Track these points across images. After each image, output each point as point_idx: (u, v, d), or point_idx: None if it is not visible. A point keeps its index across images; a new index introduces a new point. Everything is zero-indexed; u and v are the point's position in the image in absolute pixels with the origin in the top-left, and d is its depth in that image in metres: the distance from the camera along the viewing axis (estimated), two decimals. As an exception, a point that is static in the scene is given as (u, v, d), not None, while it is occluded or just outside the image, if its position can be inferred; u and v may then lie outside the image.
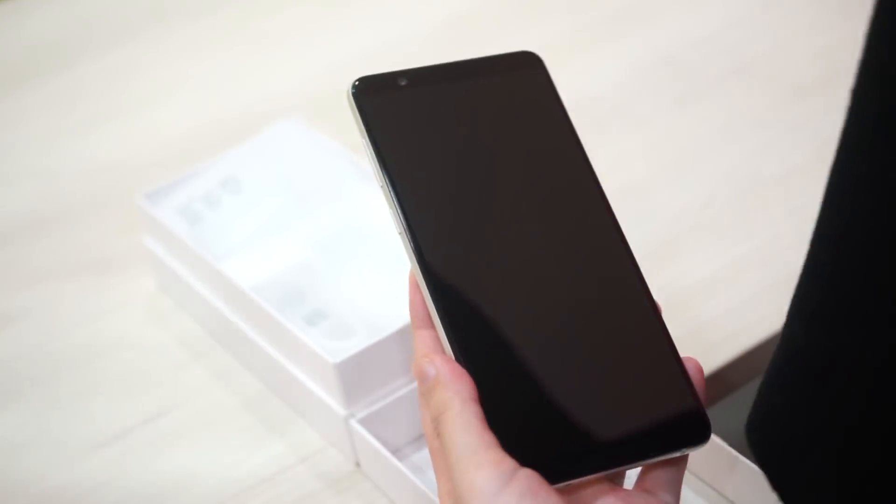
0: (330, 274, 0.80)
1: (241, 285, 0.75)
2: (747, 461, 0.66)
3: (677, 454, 0.52)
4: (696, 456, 0.69)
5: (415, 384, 0.71)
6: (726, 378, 0.77)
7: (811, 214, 0.86)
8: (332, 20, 1.12)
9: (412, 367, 0.54)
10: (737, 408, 1.01)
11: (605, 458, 0.51)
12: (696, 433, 0.52)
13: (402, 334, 0.70)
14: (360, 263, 0.80)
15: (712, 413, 0.77)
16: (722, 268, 0.83)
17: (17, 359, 0.83)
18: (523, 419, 0.51)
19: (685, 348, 0.78)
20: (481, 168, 0.56)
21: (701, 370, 0.55)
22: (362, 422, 0.70)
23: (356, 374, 0.70)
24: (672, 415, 0.52)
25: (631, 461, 0.51)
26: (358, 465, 0.72)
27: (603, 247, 0.56)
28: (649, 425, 0.52)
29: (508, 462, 0.48)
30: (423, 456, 0.71)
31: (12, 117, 1.05)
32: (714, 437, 0.67)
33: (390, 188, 0.55)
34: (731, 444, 0.67)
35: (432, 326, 0.54)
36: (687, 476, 0.69)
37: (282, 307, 0.76)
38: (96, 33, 1.13)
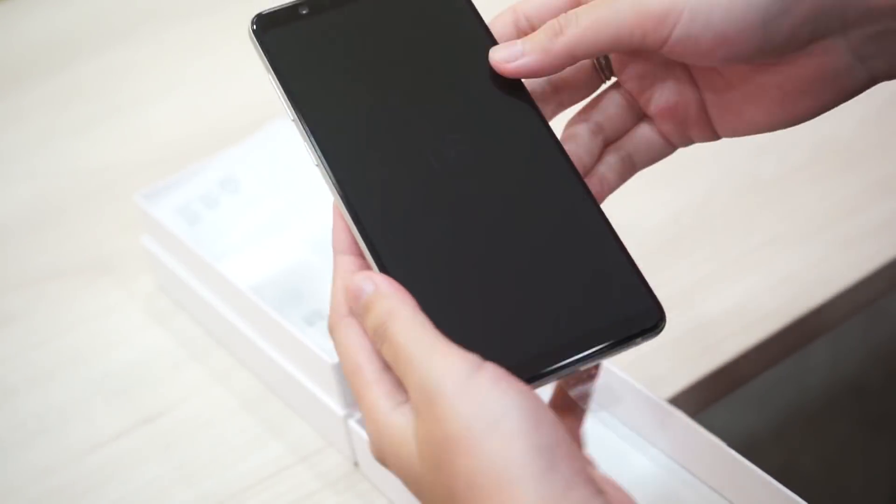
0: (328, 274, 0.80)
1: (240, 285, 0.75)
2: (746, 462, 0.66)
3: (636, 342, 0.50)
4: (695, 456, 0.69)
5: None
6: (725, 378, 0.77)
7: (810, 214, 0.87)
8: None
9: (334, 290, 0.51)
10: (736, 407, 1.01)
11: (560, 354, 0.49)
12: (650, 319, 0.51)
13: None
14: (358, 263, 0.80)
15: (712, 413, 0.77)
16: (721, 268, 0.83)
17: (15, 358, 0.83)
18: (470, 330, 0.48)
19: (684, 347, 0.78)
20: (396, 88, 0.54)
21: None
22: (361, 422, 0.70)
23: (355, 374, 0.70)
24: (622, 302, 0.50)
25: (586, 356, 0.49)
26: (356, 464, 0.72)
27: (530, 146, 0.53)
28: (600, 316, 0.50)
29: (473, 355, 0.46)
30: (422, 456, 0.71)
31: (10, 117, 1.05)
32: (715, 439, 0.67)
33: (301, 120, 0.54)
34: (731, 443, 0.67)
35: (357, 252, 0.52)
36: (686, 476, 0.69)
37: (280, 307, 0.76)
38: (94, 33, 1.13)
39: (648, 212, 0.88)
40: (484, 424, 0.44)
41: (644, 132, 0.58)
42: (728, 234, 0.86)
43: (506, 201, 0.51)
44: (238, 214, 0.83)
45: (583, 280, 0.50)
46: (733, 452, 0.66)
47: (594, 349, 0.49)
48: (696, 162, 0.92)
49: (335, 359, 0.69)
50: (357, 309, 0.49)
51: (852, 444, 1.20)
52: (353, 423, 0.70)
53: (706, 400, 0.77)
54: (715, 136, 0.59)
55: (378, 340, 0.48)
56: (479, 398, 0.45)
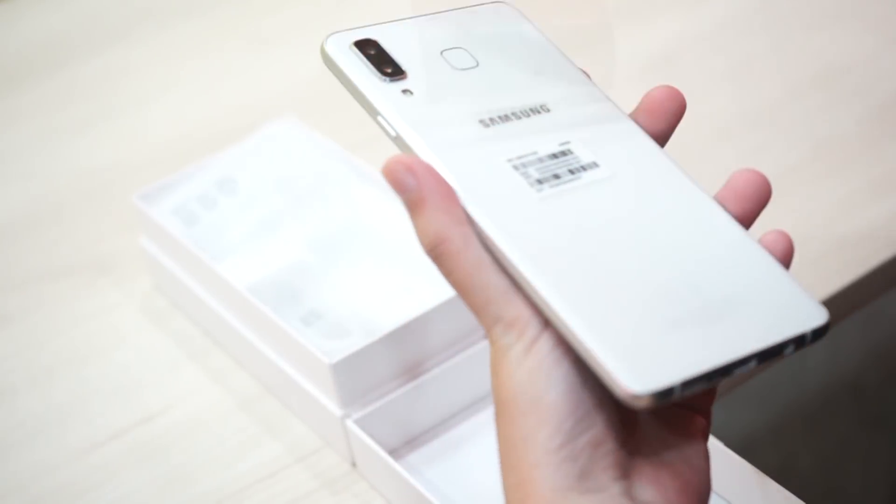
0: (326, 274, 0.80)
1: (237, 285, 0.75)
2: (744, 461, 0.66)
3: (806, 342, 0.49)
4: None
5: (411, 384, 0.71)
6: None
7: (807, 214, 0.87)
8: (327, 20, 1.12)
9: (383, 168, 0.50)
10: (734, 407, 1.01)
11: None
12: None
13: (398, 334, 0.70)
14: (355, 263, 0.80)
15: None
16: (718, 267, 0.83)
17: (13, 358, 0.82)
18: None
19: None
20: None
21: (789, 248, 0.52)
22: (358, 422, 0.70)
23: (352, 375, 0.70)
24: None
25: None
26: (354, 465, 0.72)
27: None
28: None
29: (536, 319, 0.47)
30: (419, 456, 0.71)
31: (7, 118, 1.05)
32: (712, 439, 0.67)
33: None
34: (729, 443, 0.67)
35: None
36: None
37: (277, 307, 0.76)
38: (91, 34, 1.13)
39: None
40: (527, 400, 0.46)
41: None
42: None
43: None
44: (235, 215, 0.83)
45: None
46: (731, 452, 0.66)
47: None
48: (693, 162, 0.92)
49: (333, 359, 0.69)
50: (405, 200, 0.49)
51: (850, 444, 1.20)
52: (350, 424, 0.70)
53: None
54: None
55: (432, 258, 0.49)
56: (531, 370, 0.46)
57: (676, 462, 0.49)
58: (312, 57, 1.08)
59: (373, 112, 0.52)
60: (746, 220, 0.52)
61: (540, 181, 0.50)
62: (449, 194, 0.49)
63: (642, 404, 0.44)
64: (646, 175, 0.52)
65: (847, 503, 1.19)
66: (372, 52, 0.53)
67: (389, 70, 0.52)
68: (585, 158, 0.51)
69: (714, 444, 0.67)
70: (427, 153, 0.50)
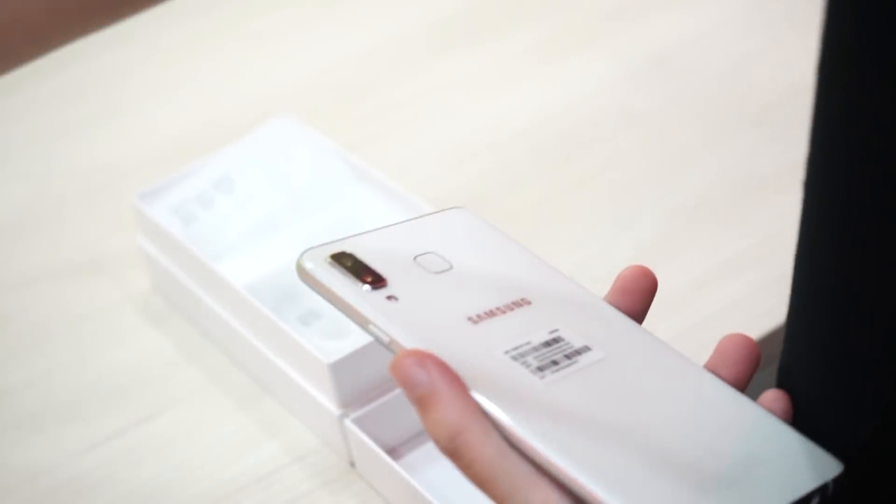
0: (324, 273, 0.80)
1: (235, 285, 0.75)
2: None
3: (818, 499, 0.49)
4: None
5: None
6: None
7: (805, 213, 0.87)
8: (326, 20, 1.12)
9: (391, 366, 0.50)
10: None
11: None
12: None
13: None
14: (354, 263, 0.80)
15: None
16: (715, 266, 0.83)
17: (11, 358, 0.82)
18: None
19: (680, 346, 0.78)
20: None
21: (789, 405, 0.53)
22: (356, 421, 0.70)
23: (350, 374, 0.70)
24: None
25: None
26: (352, 464, 0.72)
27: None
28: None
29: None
30: (418, 455, 0.71)
31: (6, 117, 1.05)
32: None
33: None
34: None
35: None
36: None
37: (276, 307, 0.76)
38: (90, 33, 1.13)
39: (644, 211, 0.88)
40: None
41: None
42: (724, 233, 0.86)
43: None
44: (234, 214, 0.83)
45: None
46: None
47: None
48: (691, 160, 0.93)
49: (331, 359, 0.69)
50: (414, 398, 0.49)
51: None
52: (348, 423, 0.70)
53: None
54: None
55: (450, 452, 0.48)
56: None
57: None
58: (311, 57, 1.09)
59: (362, 321, 0.52)
60: (741, 384, 0.53)
61: (541, 368, 0.51)
62: (462, 387, 0.49)
63: None
64: (636, 353, 0.53)
65: (845, 502, 1.19)
66: (349, 264, 0.53)
67: (370, 279, 0.53)
68: (577, 343, 0.52)
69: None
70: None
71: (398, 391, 0.71)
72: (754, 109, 0.96)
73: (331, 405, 0.71)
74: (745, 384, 0.53)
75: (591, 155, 0.94)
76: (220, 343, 0.80)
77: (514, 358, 0.51)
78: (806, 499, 0.48)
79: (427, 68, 1.04)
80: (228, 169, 0.85)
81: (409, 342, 0.50)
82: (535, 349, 0.52)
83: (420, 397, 0.49)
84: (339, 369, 0.69)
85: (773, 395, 0.52)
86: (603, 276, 0.83)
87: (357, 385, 0.70)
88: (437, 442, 0.48)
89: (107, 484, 0.74)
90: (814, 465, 0.49)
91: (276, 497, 0.72)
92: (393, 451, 0.71)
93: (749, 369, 0.53)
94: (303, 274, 0.53)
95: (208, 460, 0.74)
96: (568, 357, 0.52)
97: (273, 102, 1.00)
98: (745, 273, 0.82)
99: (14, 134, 1.03)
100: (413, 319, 0.52)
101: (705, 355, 0.77)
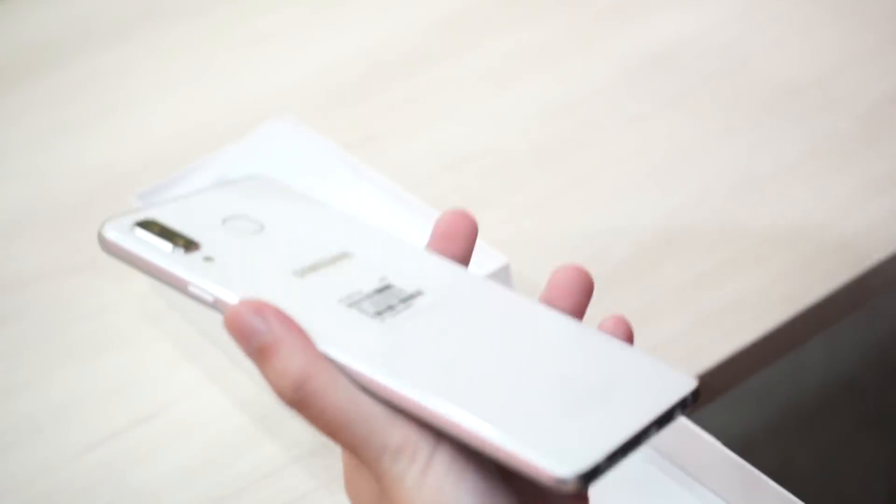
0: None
1: (234, 285, 0.75)
2: (742, 461, 0.66)
3: (676, 414, 0.48)
4: (690, 455, 0.69)
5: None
6: (719, 379, 0.77)
7: (805, 213, 0.87)
8: (325, 20, 1.12)
9: (224, 319, 0.47)
10: (732, 407, 1.01)
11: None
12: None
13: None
14: (353, 263, 0.80)
15: (707, 412, 0.77)
16: (715, 267, 0.83)
17: (9, 359, 0.82)
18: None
19: (677, 347, 0.78)
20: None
21: (629, 330, 0.52)
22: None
23: (349, 374, 0.70)
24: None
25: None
26: (351, 465, 0.72)
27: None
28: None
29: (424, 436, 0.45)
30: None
31: (5, 117, 1.05)
32: (710, 438, 0.67)
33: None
34: (727, 443, 0.67)
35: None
36: (681, 475, 0.69)
37: (275, 307, 0.76)
38: (89, 33, 1.13)
39: (643, 211, 0.88)
40: None
41: None
42: (722, 233, 0.86)
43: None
44: (232, 214, 0.83)
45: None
46: (729, 451, 0.66)
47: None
48: (689, 161, 0.93)
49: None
50: (250, 350, 0.47)
51: (848, 444, 1.20)
52: (347, 423, 0.70)
53: (702, 399, 0.77)
54: None
55: (295, 403, 0.46)
56: (434, 492, 0.45)
57: None
58: (311, 57, 1.09)
59: (181, 284, 0.49)
60: (578, 315, 0.52)
61: (379, 313, 0.49)
62: (303, 334, 0.46)
63: (570, 488, 0.44)
64: (469, 294, 0.52)
65: (845, 502, 1.19)
66: (157, 230, 0.51)
67: (182, 242, 0.50)
68: (409, 288, 0.51)
69: (712, 443, 0.67)
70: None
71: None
72: (754, 109, 0.96)
73: (330, 405, 0.71)
74: (582, 315, 0.52)
75: (591, 155, 0.94)
76: (218, 344, 0.80)
77: (350, 306, 0.49)
78: (668, 414, 0.48)
79: (427, 68, 1.04)
80: (228, 169, 0.85)
81: (236, 297, 0.48)
82: (369, 296, 0.50)
83: (259, 348, 0.46)
84: (338, 370, 0.69)
85: (613, 323, 0.51)
86: (603, 276, 0.83)
87: (356, 385, 0.70)
88: (282, 394, 0.46)
89: (106, 484, 0.74)
90: (670, 382, 0.49)
91: (275, 497, 0.72)
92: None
93: (584, 299, 0.52)
94: (106, 245, 0.50)
95: (207, 461, 0.74)
96: (403, 301, 0.50)
97: (273, 102, 1.00)
98: (745, 273, 0.82)
99: (13, 134, 1.03)
100: (235, 276, 0.49)
101: (702, 357, 0.77)
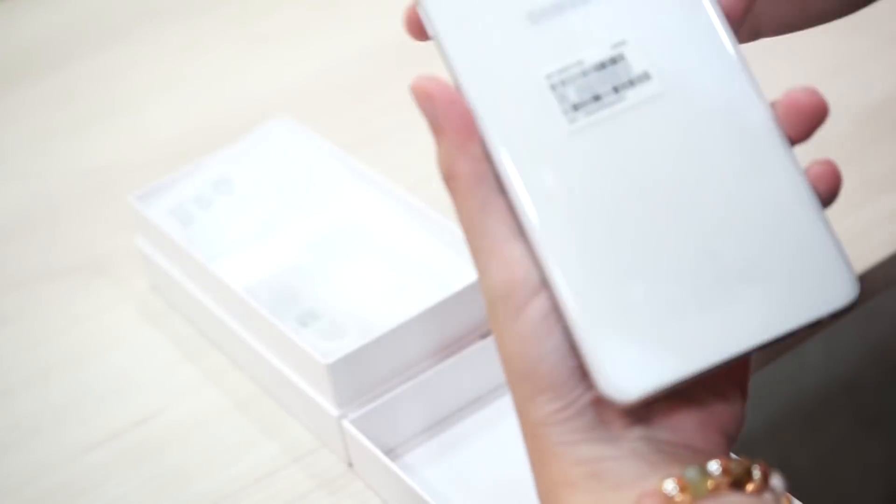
0: (322, 274, 0.80)
1: (234, 286, 0.75)
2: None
3: (822, 321, 0.44)
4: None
5: (408, 384, 0.71)
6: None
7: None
8: (324, 21, 1.12)
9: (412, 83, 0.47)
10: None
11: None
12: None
13: (395, 335, 0.70)
14: (352, 264, 0.80)
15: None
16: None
17: (8, 359, 0.82)
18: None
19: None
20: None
21: (835, 183, 0.46)
22: (355, 422, 0.70)
23: (348, 375, 0.70)
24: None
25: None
26: (350, 465, 0.72)
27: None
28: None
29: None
30: (416, 456, 0.71)
31: (5, 117, 1.05)
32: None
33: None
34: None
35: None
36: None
37: (274, 308, 0.76)
38: (88, 34, 1.13)
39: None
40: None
41: None
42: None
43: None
44: (232, 215, 0.83)
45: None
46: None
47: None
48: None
49: (329, 359, 0.69)
50: (427, 116, 0.47)
51: (847, 443, 1.20)
52: (346, 424, 0.70)
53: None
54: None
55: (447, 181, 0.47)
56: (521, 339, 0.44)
57: (696, 396, 0.46)
58: (310, 57, 1.09)
59: None
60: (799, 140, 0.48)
61: (576, 106, 0.45)
62: (467, 126, 0.46)
63: (620, 407, 0.43)
64: (703, 89, 0.45)
65: (844, 502, 1.19)
66: None
67: None
68: (637, 67, 0.45)
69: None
70: (461, 64, 0.46)
71: (397, 392, 0.71)
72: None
73: (329, 406, 0.71)
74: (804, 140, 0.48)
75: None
76: (218, 344, 0.80)
77: (554, 86, 0.45)
78: (790, 333, 0.43)
79: (426, 69, 1.04)
80: (227, 170, 0.85)
81: (448, 44, 0.46)
82: (584, 73, 0.45)
83: (430, 127, 0.47)
84: (338, 370, 0.69)
85: (819, 170, 0.47)
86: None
87: (355, 386, 0.70)
88: (441, 174, 0.47)
89: (105, 485, 0.74)
90: (831, 285, 0.43)
91: (274, 498, 0.72)
92: (391, 452, 0.71)
93: (813, 125, 0.48)
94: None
95: (206, 461, 0.74)
96: (616, 90, 0.45)
97: (272, 103, 1.00)
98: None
99: (12, 134, 1.03)
100: (465, 13, 0.46)
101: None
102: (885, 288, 0.83)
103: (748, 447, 0.77)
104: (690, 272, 0.43)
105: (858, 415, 1.21)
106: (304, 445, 0.74)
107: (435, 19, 0.46)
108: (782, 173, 0.45)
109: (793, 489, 0.64)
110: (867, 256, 0.82)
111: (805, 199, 0.45)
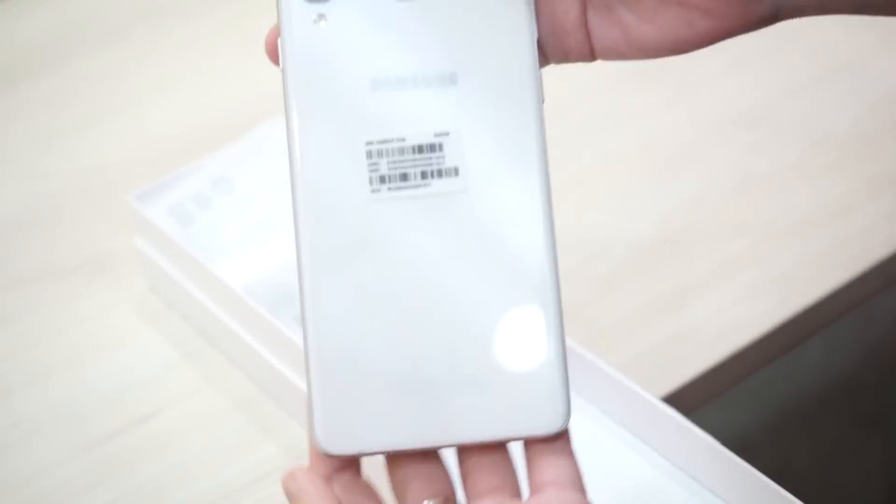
0: (321, 274, 0.80)
1: (233, 286, 0.75)
2: (740, 461, 0.66)
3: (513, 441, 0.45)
4: (689, 455, 0.69)
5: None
6: (718, 378, 0.77)
7: (802, 213, 0.87)
8: (324, 20, 1.11)
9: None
10: (730, 407, 1.01)
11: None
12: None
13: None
14: (351, 263, 0.80)
15: (706, 412, 0.77)
16: (713, 266, 0.83)
17: (8, 359, 0.82)
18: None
19: (675, 348, 0.78)
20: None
21: None
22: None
23: (348, 375, 0.69)
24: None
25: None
26: (350, 465, 0.72)
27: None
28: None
29: None
30: (416, 456, 0.71)
31: (4, 118, 1.05)
32: (709, 438, 0.67)
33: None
34: (725, 442, 0.66)
35: None
36: (680, 476, 0.69)
37: (273, 307, 0.76)
38: (88, 34, 1.13)
39: (640, 211, 0.88)
40: None
41: None
42: (720, 233, 0.86)
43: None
44: (231, 215, 0.83)
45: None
46: (727, 451, 0.66)
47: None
48: (687, 160, 0.92)
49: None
50: None
51: (847, 443, 1.20)
52: (346, 424, 0.70)
53: (700, 399, 0.77)
54: (591, 57, 0.53)
55: None
56: None
57: None
58: (308, 57, 1.08)
59: (280, 31, 0.47)
60: None
61: (383, 179, 0.46)
62: None
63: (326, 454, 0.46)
64: (499, 196, 0.47)
65: (844, 502, 1.19)
66: None
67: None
68: (450, 161, 0.46)
69: (710, 443, 0.67)
70: (294, 109, 0.47)
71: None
72: (752, 109, 0.96)
73: (328, 406, 0.71)
74: None
75: (589, 155, 0.94)
76: (217, 344, 0.80)
77: (370, 154, 0.46)
78: (496, 441, 0.45)
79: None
80: (226, 169, 0.85)
81: (290, 87, 0.47)
82: (401, 151, 0.46)
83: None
84: (337, 370, 0.69)
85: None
86: (601, 277, 0.83)
87: (354, 385, 0.70)
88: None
89: (104, 485, 0.74)
90: (544, 410, 0.45)
91: (273, 498, 0.72)
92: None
93: None
94: None
95: (206, 461, 0.74)
96: (424, 176, 0.46)
97: (271, 103, 1.00)
98: (743, 274, 0.82)
99: (12, 134, 1.03)
100: (314, 58, 0.47)
101: (701, 357, 0.77)
102: (883, 288, 0.83)
103: (747, 448, 0.77)
104: (423, 359, 0.45)
105: (858, 415, 1.21)
106: (303, 445, 0.74)
107: (287, 55, 0.48)
108: (536, 296, 0.46)
109: (792, 489, 0.64)
110: (866, 257, 0.82)
111: (548, 324, 0.46)
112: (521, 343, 0.46)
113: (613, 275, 0.83)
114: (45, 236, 0.92)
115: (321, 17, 0.47)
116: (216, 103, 1.03)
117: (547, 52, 0.51)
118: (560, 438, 0.46)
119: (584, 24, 0.51)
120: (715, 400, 0.78)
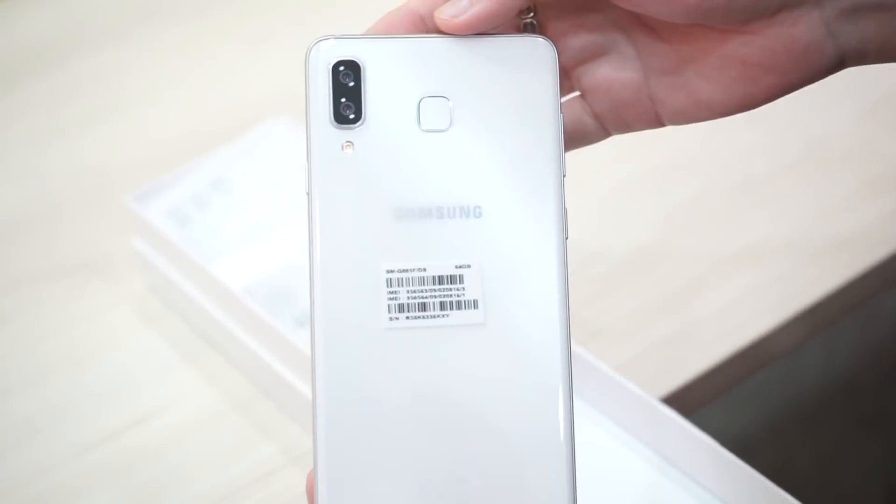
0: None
1: (231, 286, 0.75)
2: (740, 461, 0.66)
3: None
4: (689, 456, 0.69)
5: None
6: (718, 378, 0.77)
7: (802, 213, 0.87)
8: (321, 20, 1.11)
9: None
10: (730, 407, 1.01)
11: None
12: None
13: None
14: (350, 264, 0.80)
15: (705, 413, 0.77)
16: (713, 267, 0.83)
17: (7, 359, 0.82)
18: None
19: (676, 348, 0.78)
20: None
21: None
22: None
23: (347, 375, 0.69)
24: None
25: None
26: (349, 466, 0.72)
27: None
28: None
29: None
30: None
31: (2, 118, 1.05)
32: (708, 439, 0.67)
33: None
34: (725, 443, 0.66)
35: None
36: (679, 476, 0.69)
37: (272, 308, 0.76)
38: (86, 34, 1.13)
39: (640, 211, 0.88)
40: None
41: (574, 111, 0.52)
42: (720, 234, 0.85)
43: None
44: (229, 215, 0.83)
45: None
46: (727, 452, 0.66)
47: None
48: (687, 161, 0.92)
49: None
50: None
51: (847, 444, 1.20)
52: (345, 424, 0.70)
53: (700, 400, 0.77)
54: (658, 123, 0.52)
55: None
56: None
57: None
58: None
59: (308, 154, 0.47)
60: None
61: (401, 308, 0.47)
62: None
63: None
64: (518, 331, 0.47)
65: (844, 502, 1.19)
66: (342, 80, 0.48)
67: (348, 112, 0.47)
68: (470, 293, 0.47)
69: (710, 443, 0.67)
70: (318, 232, 0.47)
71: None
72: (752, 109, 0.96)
73: (327, 406, 0.71)
74: None
75: (589, 154, 0.93)
76: (215, 345, 0.80)
77: (389, 282, 0.46)
78: None
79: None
80: (224, 170, 0.85)
81: (315, 210, 0.46)
82: (421, 281, 0.47)
83: None
84: (336, 370, 0.69)
85: None
86: (601, 277, 0.83)
87: (353, 386, 0.70)
88: None
89: (102, 486, 0.74)
90: None
91: (272, 498, 0.72)
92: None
93: None
94: (305, 65, 0.48)
95: (204, 462, 0.74)
96: (443, 307, 0.47)
97: (269, 103, 1.00)
98: (742, 274, 0.82)
99: (11, 135, 1.03)
100: (341, 185, 0.46)
101: (702, 356, 0.77)
102: (883, 289, 0.83)
103: (747, 449, 0.77)
104: (433, 487, 0.46)
105: (858, 416, 1.21)
106: (302, 446, 0.74)
107: (314, 180, 0.47)
108: (550, 432, 0.47)
109: (792, 489, 0.64)
110: (865, 257, 0.82)
111: (562, 460, 0.47)
112: (533, 483, 0.47)
113: (613, 275, 0.83)
114: (43, 237, 0.92)
115: (349, 143, 0.47)
116: (215, 104, 1.03)
117: (606, 125, 0.52)
118: None
119: (647, 94, 0.50)
120: (715, 400, 0.78)
